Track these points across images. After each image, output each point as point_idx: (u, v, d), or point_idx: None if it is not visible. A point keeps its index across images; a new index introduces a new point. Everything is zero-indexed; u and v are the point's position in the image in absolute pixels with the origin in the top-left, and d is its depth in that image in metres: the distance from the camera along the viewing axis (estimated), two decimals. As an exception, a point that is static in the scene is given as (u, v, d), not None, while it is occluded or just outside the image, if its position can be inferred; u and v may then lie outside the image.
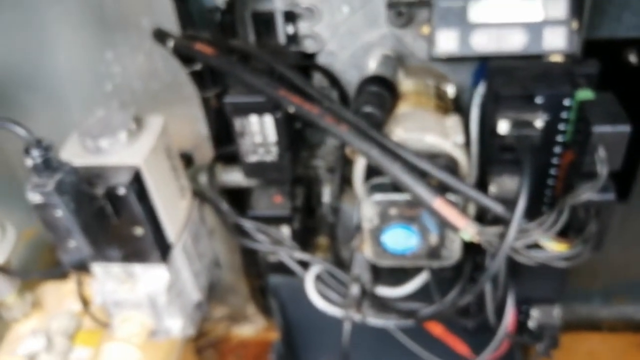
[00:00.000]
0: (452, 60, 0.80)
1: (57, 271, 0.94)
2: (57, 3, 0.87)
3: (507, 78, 0.69)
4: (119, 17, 0.87)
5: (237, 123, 0.78)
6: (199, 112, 0.94)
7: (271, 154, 0.81)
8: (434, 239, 0.74)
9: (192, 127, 0.96)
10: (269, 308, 1.27)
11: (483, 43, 0.74)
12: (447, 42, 0.75)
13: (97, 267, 0.81)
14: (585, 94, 0.65)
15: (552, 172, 0.73)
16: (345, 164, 0.85)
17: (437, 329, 0.93)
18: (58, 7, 0.88)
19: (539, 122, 0.67)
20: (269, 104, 0.75)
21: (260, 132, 0.79)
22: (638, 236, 1.09)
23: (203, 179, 0.93)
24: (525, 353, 1.13)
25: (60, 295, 0.98)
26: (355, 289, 0.84)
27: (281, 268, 0.90)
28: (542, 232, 0.66)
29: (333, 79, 0.90)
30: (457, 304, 0.82)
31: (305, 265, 0.89)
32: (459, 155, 0.73)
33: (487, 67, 0.73)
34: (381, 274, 0.87)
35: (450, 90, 0.85)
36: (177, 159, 0.82)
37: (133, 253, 0.76)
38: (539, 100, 0.67)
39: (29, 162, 0.60)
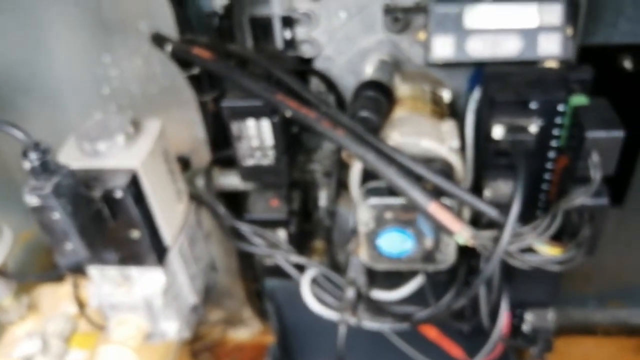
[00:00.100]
0: (448, 65, 0.80)
1: (53, 274, 0.93)
2: (55, 6, 0.87)
3: (502, 84, 0.70)
4: (117, 21, 0.87)
5: (234, 127, 0.79)
6: (196, 116, 0.94)
7: (268, 158, 0.81)
8: (429, 242, 0.75)
9: (190, 130, 0.96)
10: (265, 311, 1.27)
11: (478, 49, 0.75)
12: (443, 47, 0.75)
13: (93, 270, 0.81)
14: (579, 99, 0.66)
15: (546, 176, 0.74)
16: (341, 168, 0.86)
17: (431, 333, 0.93)
18: (56, 10, 0.88)
19: (534, 128, 0.68)
20: (266, 108, 0.76)
21: (257, 136, 0.79)
22: (632, 241, 1.09)
23: (200, 182, 0.93)
24: (520, 356, 1.14)
25: (56, 298, 0.98)
26: (350, 293, 0.84)
27: (277, 271, 0.90)
28: (536, 236, 0.67)
29: (330, 84, 0.91)
30: (451, 308, 0.83)
31: (301, 268, 0.89)
32: (454, 160, 0.73)
33: (483, 72, 0.73)
34: (376, 278, 0.88)
35: (446, 95, 0.86)
36: (175, 162, 0.82)
37: (129, 256, 0.76)
38: (533, 105, 0.67)
39: (27, 165, 0.60)
